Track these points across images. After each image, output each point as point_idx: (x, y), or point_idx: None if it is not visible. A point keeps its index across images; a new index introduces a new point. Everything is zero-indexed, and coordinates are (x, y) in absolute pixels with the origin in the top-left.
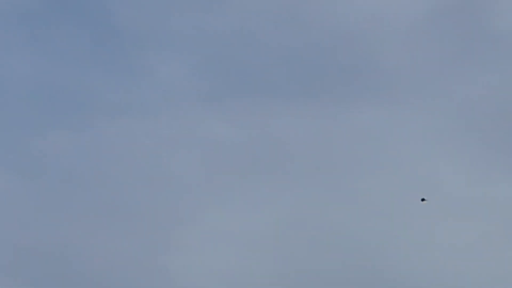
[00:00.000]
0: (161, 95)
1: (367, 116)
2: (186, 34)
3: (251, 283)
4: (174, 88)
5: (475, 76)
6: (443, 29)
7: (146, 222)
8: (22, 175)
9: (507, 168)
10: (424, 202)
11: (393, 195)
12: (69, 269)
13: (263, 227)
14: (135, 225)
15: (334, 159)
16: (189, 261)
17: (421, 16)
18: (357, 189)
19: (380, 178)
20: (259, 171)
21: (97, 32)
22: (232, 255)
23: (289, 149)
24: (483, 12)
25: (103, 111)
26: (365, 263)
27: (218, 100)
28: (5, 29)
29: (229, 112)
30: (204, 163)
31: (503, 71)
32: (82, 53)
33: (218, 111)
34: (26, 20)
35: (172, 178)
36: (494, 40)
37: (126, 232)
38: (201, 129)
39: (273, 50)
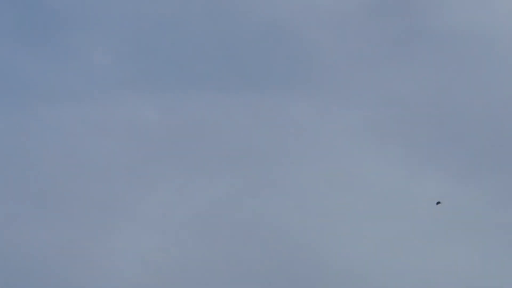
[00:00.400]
0: (89, 80)
1: (298, 108)
2: (116, 19)
3: (179, 269)
4: (102, 73)
5: (407, 72)
6: (377, 24)
7: (74, 209)
8: None
9: (436, 164)
10: (439, 205)
11: (321, 188)
12: None
13: (192, 214)
14: (63, 212)
15: (264, 149)
16: (117, 248)
17: (356, 10)
18: (285, 180)
19: (309, 170)
20: (189, 159)
21: (23, 14)
22: (159, 241)
23: (219, 138)
24: (416, 9)
25: (30, 95)
26: (290, 252)
27: (148, 86)
28: None
29: (160, 99)
30: (132, 149)
31: (435, 68)
32: (7, 35)
33: (149, 97)
34: None
35: (99, 164)
36: (426, 37)
37: (54, 219)
38: (130, 115)
39: (206, 39)
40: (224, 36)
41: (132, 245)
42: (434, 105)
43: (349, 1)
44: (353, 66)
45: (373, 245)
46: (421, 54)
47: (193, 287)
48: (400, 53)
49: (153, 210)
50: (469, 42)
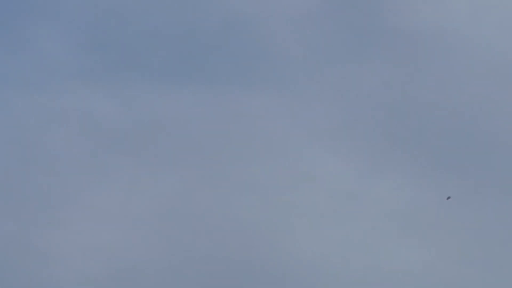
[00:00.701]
0: (41, 69)
1: (257, 103)
2: (72, 8)
3: (131, 263)
4: (55, 62)
5: (368, 70)
6: (338, 20)
7: (24, 201)
8: None
9: (395, 163)
10: (449, 199)
11: (277, 185)
12: None
13: (147, 207)
14: (12, 204)
15: (221, 144)
16: (68, 240)
17: (318, 6)
18: (242, 175)
19: (265, 166)
20: (142, 151)
21: None
22: (111, 235)
23: (173, 131)
24: (378, 7)
25: None
26: (246, 248)
27: (103, 78)
28: None
29: (115, 91)
30: (86, 141)
31: (396, 66)
32: None
33: (103, 89)
34: None
35: (51, 156)
36: (387, 35)
37: (2, 211)
38: (83, 106)
39: (165, 31)
40: (182, 28)
41: (83, 239)
42: (392, 104)
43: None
44: (313, 63)
45: (329, 243)
46: (382, 53)
47: (145, 282)
48: (362, 51)
49: (106, 203)
50: (431, 41)
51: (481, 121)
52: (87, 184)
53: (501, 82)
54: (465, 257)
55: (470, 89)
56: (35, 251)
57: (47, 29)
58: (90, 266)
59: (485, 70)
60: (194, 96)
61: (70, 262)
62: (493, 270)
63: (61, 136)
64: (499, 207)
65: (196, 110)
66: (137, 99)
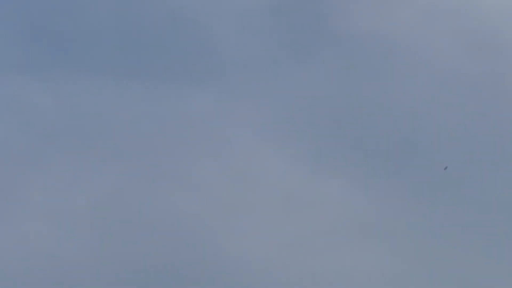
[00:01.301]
0: None
1: (199, 102)
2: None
3: (67, 260)
4: None
5: (312, 72)
6: (284, 24)
7: None
8: None
9: (339, 165)
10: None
11: (220, 184)
12: None
13: (82, 203)
14: None
15: (159, 140)
16: (3, 234)
17: (263, 8)
18: (180, 173)
19: (208, 165)
20: (81, 147)
21: None
22: (47, 230)
23: (113, 127)
24: (323, 9)
25: None
26: (187, 247)
27: (42, 71)
28: None
29: (53, 85)
30: (22, 134)
31: (340, 69)
32: None
33: (41, 83)
34: None
35: None
36: (332, 37)
37: None
38: (21, 100)
39: (106, 24)
40: (124, 22)
41: (19, 234)
42: (336, 107)
43: (255, 2)
44: (258, 64)
45: (272, 245)
46: (326, 55)
47: (81, 278)
48: (305, 53)
49: (43, 198)
50: (372, 47)
51: (426, 125)
52: (23, 178)
53: (444, 87)
54: (410, 257)
55: (413, 94)
56: None
57: None
58: (26, 261)
59: (429, 76)
60: (134, 92)
61: (6, 257)
62: (440, 271)
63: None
64: (443, 210)
65: (136, 106)
66: (77, 94)
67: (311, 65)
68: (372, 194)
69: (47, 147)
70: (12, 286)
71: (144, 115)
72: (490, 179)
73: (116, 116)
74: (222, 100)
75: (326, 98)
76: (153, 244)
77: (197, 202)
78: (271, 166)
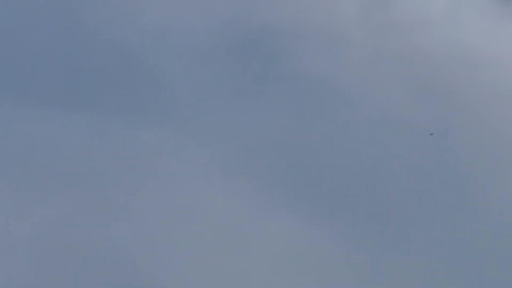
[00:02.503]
0: None
1: (145, 136)
2: None
3: None
4: None
5: (259, 112)
6: (234, 62)
7: None
8: None
9: (287, 203)
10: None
11: (164, 219)
12: None
13: (23, 233)
14: None
15: (102, 173)
16: None
17: (213, 46)
18: (124, 207)
19: (151, 199)
20: (24, 177)
21: None
22: None
23: (57, 159)
24: (273, 50)
25: None
26: (128, 280)
27: None
28: None
29: None
30: None
31: (286, 110)
32: None
33: None
34: None
35: None
36: (282, 78)
37: None
38: None
39: (52, 54)
40: (72, 53)
41: None
42: (285, 145)
43: (207, 37)
44: (206, 101)
45: (217, 281)
46: (273, 96)
47: None
48: (254, 93)
49: None
50: (319, 88)
51: (372, 166)
52: None
53: (390, 131)
54: None
55: (360, 135)
56: None
57: None
58: None
59: (375, 118)
60: (79, 124)
61: None
62: None
63: None
64: (389, 248)
65: (80, 138)
66: (20, 123)
67: (259, 103)
68: (319, 231)
69: None
70: None
71: (88, 147)
72: (434, 219)
73: (60, 148)
74: (168, 135)
75: (273, 137)
76: (92, 277)
77: (139, 236)
78: (216, 203)
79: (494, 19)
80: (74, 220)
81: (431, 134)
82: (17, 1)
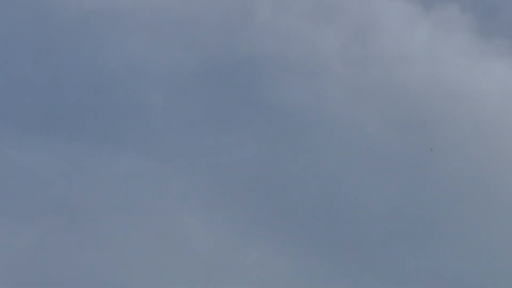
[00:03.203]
0: None
1: (125, 164)
2: None
3: None
4: None
5: (239, 141)
6: (214, 90)
7: None
8: None
9: (261, 232)
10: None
11: (141, 247)
12: None
13: None
14: None
15: (80, 200)
16: None
17: (193, 77)
18: (103, 234)
19: (131, 228)
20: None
21: None
22: None
23: (37, 185)
24: (256, 81)
25: None
26: None
27: None
28: None
29: None
30: None
31: (266, 140)
32: None
33: None
34: None
35: None
36: (259, 109)
37: None
38: None
39: (33, 84)
40: (53, 81)
41: None
42: (264, 176)
43: (189, 68)
44: (187, 131)
45: None
46: (253, 126)
47: None
48: (235, 124)
49: None
50: (301, 119)
51: (352, 197)
52: None
53: (370, 161)
54: None
55: (340, 166)
56: None
57: None
58: None
59: (355, 149)
60: (59, 151)
61: None
62: None
63: None
64: (364, 281)
65: (60, 165)
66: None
67: (240, 134)
68: (294, 262)
69: None
70: None
71: (66, 174)
72: (413, 252)
73: (38, 174)
74: (148, 164)
75: (251, 167)
76: None
77: (115, 263)
78: (194, 232)
79: (473, 55)
80: (50, 248)
81: (431, 150)
82: (1, 27)
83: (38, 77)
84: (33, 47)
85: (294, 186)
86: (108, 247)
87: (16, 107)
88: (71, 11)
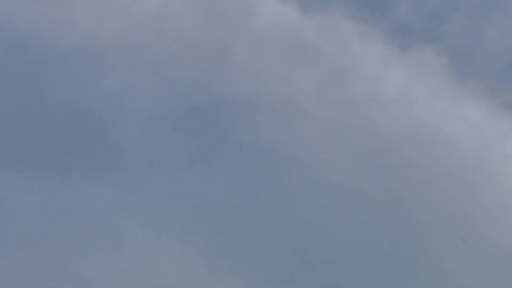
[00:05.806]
0: None
1: (93, 195)
2: None
3: None
4: None
5: (213, 176)
6: (188, 126)
7: None
8: None
9: (235, 266)
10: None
11: (107, 280)
12: None
13: None
14: None
15: (51, 232)
16: None
17: (168, 107)
18: (76, 267)
19: (97, 259)
20: None
21: None
22: None
23: (4, 216)
24: (228, 118)
25: None
26: None
27: None
28: None
29: None
30: None
31: (239, 176)
32: None
33: None
34: None
35: None
36: (233, 146)
37: None
38: None
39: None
40: (26, 112)
41: None
42: (234, 211)
43: (164, 103)
44: (161, 164)
45: None
46: (230, 163)
47: None
48: (209, 159)
49: None
50: (273, 157)
51: (321, 236)
52: None
53: (342, 203)
54: None
55: (312, 206)
56: None
57: None
58: None
59: (327, 190)
60: (30, 182)
61: None
62: None
63: None
64: None
65: (31, 196)
66: None
67: (214, 169)
68: None
69: None
70: None
71: (37, 205)
72: None
73: (8, 205)
74: (120, 196)
75: (226, 204)
76: None
77: None
78: (167, 266)
79: (447, 97)
80: (23, 282)
81: (463, 240)
82: None
83: (13, 111)
84: (9, 82)
85: (268, 223)
86: (81, 280)
87: None
88: (47, 47)
